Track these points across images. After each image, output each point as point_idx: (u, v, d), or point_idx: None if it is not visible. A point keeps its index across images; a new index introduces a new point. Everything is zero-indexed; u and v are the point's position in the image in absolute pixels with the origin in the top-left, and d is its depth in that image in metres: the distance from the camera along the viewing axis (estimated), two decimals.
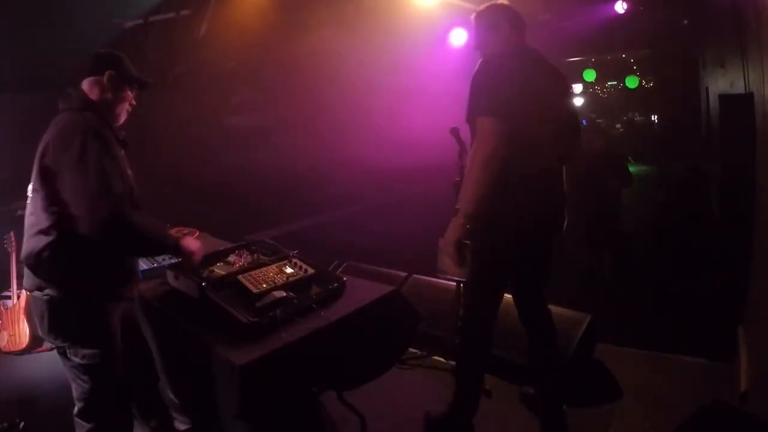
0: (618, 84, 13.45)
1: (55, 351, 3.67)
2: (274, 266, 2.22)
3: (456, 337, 2.36)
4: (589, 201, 4.60)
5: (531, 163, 2.02)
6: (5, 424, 2.58)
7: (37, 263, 1.72)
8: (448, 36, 5.98)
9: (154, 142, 5.11)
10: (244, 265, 2.26)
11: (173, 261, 2.40)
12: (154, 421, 2.10)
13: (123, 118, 1.99)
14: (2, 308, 3.62)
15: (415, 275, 3.60)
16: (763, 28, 2.26)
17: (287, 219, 6.60)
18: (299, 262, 2.26)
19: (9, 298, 3.64)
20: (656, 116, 13.38)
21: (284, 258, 2.30)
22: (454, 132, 2.43)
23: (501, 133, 1.91)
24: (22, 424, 2.60)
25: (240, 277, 2.11)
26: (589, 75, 11.29)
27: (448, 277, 2.16)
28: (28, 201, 1.80)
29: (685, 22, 7.21)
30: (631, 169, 5.44)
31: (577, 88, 13.54)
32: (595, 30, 6.62)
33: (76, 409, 1.89)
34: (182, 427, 2.30)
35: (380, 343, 2.14)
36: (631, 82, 11.85)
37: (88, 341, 1.80)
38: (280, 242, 2.45)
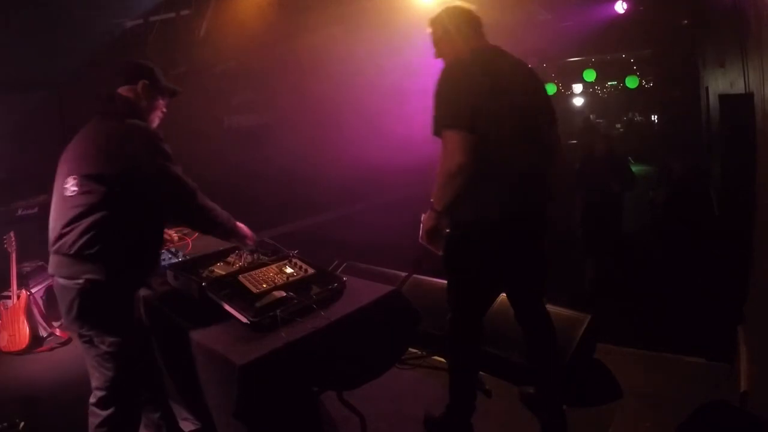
0: (618, 84, 13.44)
1: (54, 351, 3.70)
2: (274, 266, 2.22)
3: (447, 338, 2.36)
4: (589, 206, 4.55)
5: (501, 165, 2.00)
6: (5, 424, 2.59)
7: (79, 251, 1.78)
8: None
9: None
10: (244, 265, 2.26)
11: (173, 261, 2.40)
12: (158, 414, 2.11)
13: (155, 124, 2.10)
14: (2, 308, 3.62)
15: (415, 275, 3.60)
16: (763, 28, 2.26)
17: (287, 219, 6.60)
18: (299, 262, 2.26)
19: (9, 298, 3.65)
20: (656, 116, 13.39)
21: (284, 258, 2.30)
22: None
23: (466, 145, 1.90)
24: (22, 424, 2.60)
25: (240, 277, 2.11)
26: (589, 75, 11.29)
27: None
28: (69, 194, 1.84)
29: (685, 22, 7.20)
30: (631, 169, 5.43)
31: (577, 88, 13.56)
32: (595, 30, 6.62)
33: (94, 398, 1.92)
34: (187, 428, 2.30)
35: (380, 343, 2.14)
36: (631, 82, 11.84)
37: (115, 328, 1.87)
38: (280, 242, 2.45)
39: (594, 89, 14.79)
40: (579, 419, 2.49)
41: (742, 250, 2.82)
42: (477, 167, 1.92)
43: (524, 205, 2.09)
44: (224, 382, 1.72)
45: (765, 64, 2.26)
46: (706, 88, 6.49)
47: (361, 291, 2.16)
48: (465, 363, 2.32)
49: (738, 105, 3.03)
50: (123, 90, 2.00)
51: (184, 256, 2.51)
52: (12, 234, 3.64)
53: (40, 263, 4.01)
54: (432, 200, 2.01)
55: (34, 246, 3.89)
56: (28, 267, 3.91)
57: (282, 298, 1.95)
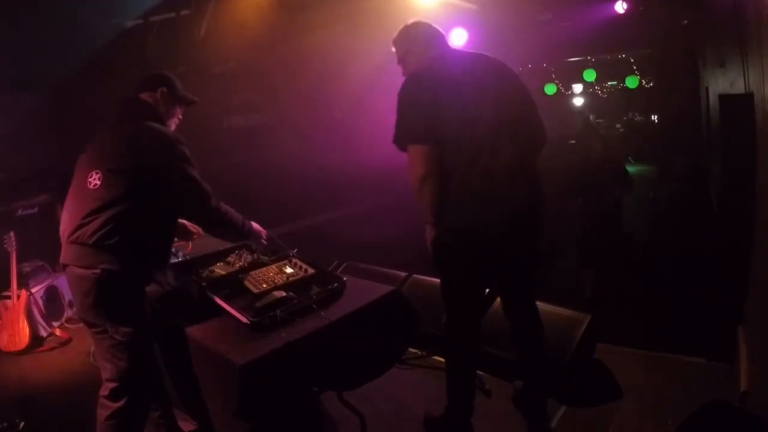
0: (618, 84, 13.42)
1: (54, 351, 3.70)
2: (274, 266, 2.22)
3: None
4: (587, 216, 4.38)
5: (472, 169, 2.00)
6: (5, 424, 2.59)
7: (98, 241, 1.83)
8: (448, 36, 5.98)
9: None
10: (244, 265, 2.26)
11: (173, 261, 2.40)
12: (158, 413, 2.12)
13: (172, 130, 2.19)
14: (2, 308, 3.62)
15: (415, 275, 3.60)
16: (763, 28, 2.26)
17: (288, 219, 6.60)
18: (299, 262, 2.26)
19: (9, 298, 3.64)
20: (656, 116, 13.37)
21: (284, 258, 2.31)
22: None
23: (426, 156, 1.99)
24: (22, 424, 2.60)
25: (240, 277, 2.11)
26: (589, 75, 11.27)
27: None
28: (92, 187, 1.92)
29: (685, 22, 7.20)
30: (631, 169, 5.40)
31: (577, 88, 13.54)
32: (595, 30, 6.61)
33: (105, 390, 1.93)
34: (187, 428, 2.30)
35: (380, 343, 2.14)
36: (631, 82, 11.83)
37: (129, 318, 1.90)
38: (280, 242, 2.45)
39: (594, 89, 14.76)
40: (579, 419, 2.50)
41: (742, 250, 2.82)
42: (444, 174, 1.99)
43: (505, 208, 2.03)
44: (224, 382, 1.72)
45: (765, 64, 2.26)
46: (706, 88, 6.48)
47: (361, 291, 2.16)
48: (462, 363, 2.32)
49: (738, 105, 3.02)
50: (143, 96, 2.12)
51: (184, 256, 2.51)
52: (12, 234, 3.64)
53: (40, 263, 4.01)
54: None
55: (34, 246, 3.90)
56: (28, 267, 3.91)
57: (282, 298, 1.95)
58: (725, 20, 3.73)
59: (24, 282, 3.77)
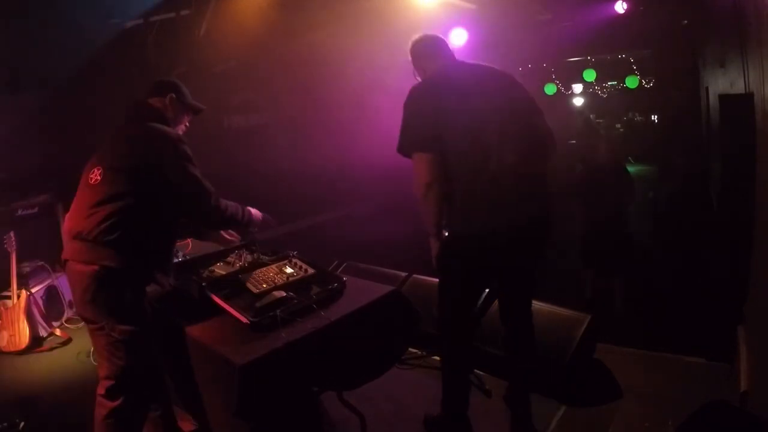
0: (618, 84, 13.40)
1: (54, 351, 3.70)
2: (274, 266, 2.22)
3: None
4: (593, 224, 4.32)
5: (481, 176, 2.01)
6: (5, 424, 2.59)
7: (98, 236, 1.85)
8: (448, 36, 5.99)
9: None
10: (244, 265, 2.26)
11: (173, 261, 2.40)
12: (158, 413, 2.12)
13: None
14: (2, 308, 3.62)
15: (415, 275, 3.60)
16: (763, 27, 2.26)
17: (288, 219, 6.60)
18: (299, 262, 2.27)
19: (9, 298, 3.64)
20: (656, 116, 13.36)
21: (284, 258, 2.31)
22: None
23: (431, 164, 2.01)
24: (22, 424, 2.60)
25: (240, 277, 2.11)
26: (589, 75, 11.26)
27: None
28: (93, 182, 1.96)
29: (685, 22, 7.19)
30: (631, 169, 5.38)
31: (577, 88, 13.53)
32: (595, 30, 6.60)
33: (102, 389, 1.93)
34: (187, 428, 2.30)
35: (380, 343, 2.14)
36: (631, 82, 11.82)
37: (127, 317, 1.90)
38: (280, 242, 2.46)
39: (594, 89, 14.76)
40: (579, 419, 2.50)
41: (742, 250, 2.82)
42: (448, 182, 2.02)
43: (512, 214, 2.03)
44: (224, 382, 1.72)
45: (765, 64, 2.26)
46: (706, 88, 6.47)
47: (361, 291, 2.17)
48: (456, 363, 2.33)
49: (738, 105, 3.02)
50: (152, 100, 2.16)
51: (184, 256, 2.51)
52: (12, 234, 3.63)
53: (40, 263, 4.01)
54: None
55: (34, 246, 3.90)
56: (28, 267, 3.91)
57: (282, 298, 1.95)
58: (725, 20, 3.73)
59: (24, 282, 3.77)
